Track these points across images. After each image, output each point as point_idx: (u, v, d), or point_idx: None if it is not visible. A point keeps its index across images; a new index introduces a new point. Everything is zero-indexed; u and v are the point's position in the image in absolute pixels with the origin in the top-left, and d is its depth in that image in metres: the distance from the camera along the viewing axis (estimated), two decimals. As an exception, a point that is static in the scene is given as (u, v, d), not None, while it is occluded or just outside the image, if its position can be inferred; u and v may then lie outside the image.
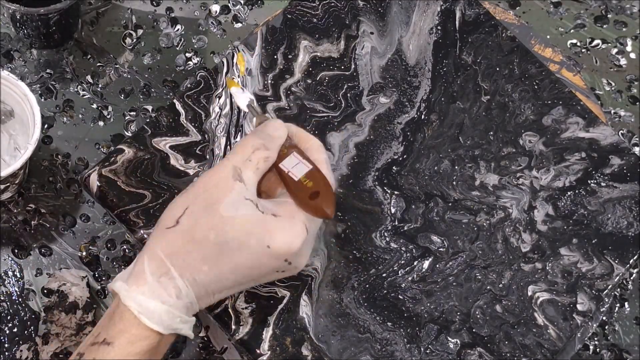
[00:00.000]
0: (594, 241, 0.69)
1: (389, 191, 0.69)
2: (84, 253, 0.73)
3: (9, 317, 0.70)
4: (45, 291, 0.72)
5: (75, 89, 0.78)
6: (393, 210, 0.69)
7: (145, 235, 0.66)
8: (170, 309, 0.55)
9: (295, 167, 0.58)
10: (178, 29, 0.81)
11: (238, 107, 0.69)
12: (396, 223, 0.69)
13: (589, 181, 0.71)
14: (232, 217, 0.55)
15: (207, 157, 0.69)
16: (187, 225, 0.56)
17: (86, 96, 0.78)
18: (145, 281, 0.55)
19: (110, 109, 0.78)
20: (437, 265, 0.68)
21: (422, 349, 0.65)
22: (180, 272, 0.56)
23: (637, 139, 0.81)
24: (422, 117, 0.72)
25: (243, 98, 0.63)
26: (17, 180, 0.70)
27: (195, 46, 0.80)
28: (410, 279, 0.67)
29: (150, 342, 0.55)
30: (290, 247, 0.56)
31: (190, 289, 0.56)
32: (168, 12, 0.81)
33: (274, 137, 0.59)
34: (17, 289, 0.72)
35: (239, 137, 0.70)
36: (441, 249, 0.68)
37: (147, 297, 0.55)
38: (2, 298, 0.71)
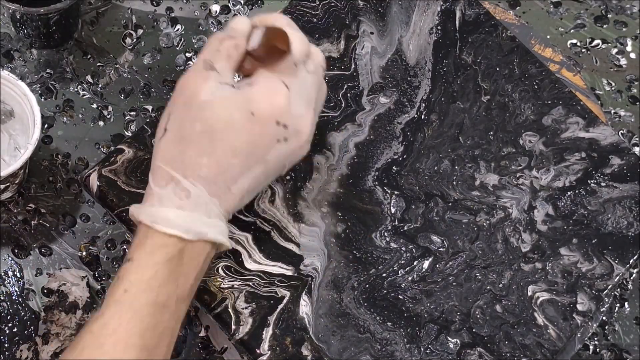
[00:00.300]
0: (594, 241, 0.69)
1: (389, 191, 0.69)
2: (84, 253, 0.73)
3: (9, 317, 0.70)
4: (45, 291, 0.72)
5: (75, 89, 0.78)
6: (393, 210, 0.69)
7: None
8: (185, 212, 0.55)
9: (254, 39, 0.58)
10: (178, 29, 0.81)
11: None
12: (396, 223, 0.69)
13: (589, 181, 0.71)
14: (210, 101, 0.56)
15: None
16: (174, 128, 0.57)
17: (86, 96, 0.78)
18: (154, 194, 0.56)
19: (110, 108, 0.78)
20: (437, 265, 0.68)
21: (422, 349, 0.65)
22: (183, 173, 0.56)
23: (637, 139, 0.81)
24: (422, 117, 0.72)
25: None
26: (17, 180, 0.70)
27: (196, 46, 0.80)
28: (410, 278, 0.67)
29: (171, 250, 0.55)
30: (273, 104, 0.56)
31: (199, 187, 0.56)
32: (168, 12, 0.81)
33: (237, 29, 0.59)
34: (17, 289, 0.72)
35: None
36: (441, 249, 0.68)
37: (159, 207, 0.56)
38: (2, 298, 0.71)
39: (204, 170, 0.56)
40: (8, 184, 0.70)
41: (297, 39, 0.58)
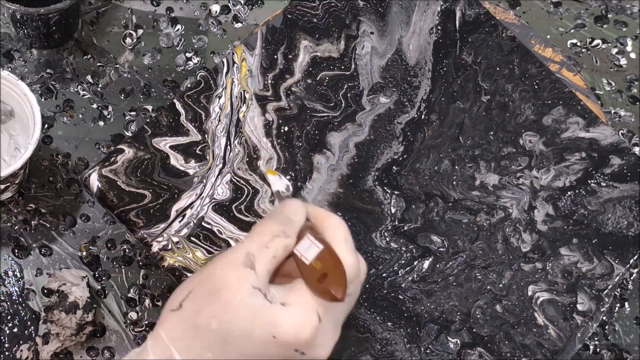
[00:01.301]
0: (594, 241, 0.69)
1: (389, 191, 0.69)
2: (84, 253, 0.73)
3: (9, 317, 0.70)
4: (45, 291, 0.72)
5: (76, 89, 0.78)
6: (393, 210, 0.69)
7: (146, 235, 0.66)
8: None
9: (307, 250, 0.54)
10: (178, 29, 0.81)
11: (271, 191, 0.68)
12: (396, 223, 0.69)
13: (589, 181, 0.71)
14: (237, 305, 0.52)
15: (207, 157, 0.69)
16: (190, 310, 0.53)
17: (86, 96, 0.78)
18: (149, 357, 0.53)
19: (110, 109, 0.78)
20: (437, 265, 0.68)
21: (422, 349, 0.65)
22: (184, 358, 0.53)
23: (637, 139, 0.81)
24: (422, 117, 0.72)
25: (280, 184, 0.61)
26: (17, 180, 0.70)
27: (196, 46, 0.80)
28: (410, 278, 0.67)
29: None
30: (298, 337, 0.52)
31: None
32: (168, 12, 0.81)
33: (293, 220, 0.55)
34: (17, 289, 0.72)
35: (238, 138, 0.70)
36: (441, 249, 0.68)
37: None
38: (2, 298, 0.71)
39: None
40: (8, 184, 0.70)
41: (350, 264, 0.54)
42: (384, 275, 0.67)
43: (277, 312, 0.53)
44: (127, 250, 0.73)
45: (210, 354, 0.53)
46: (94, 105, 0.78)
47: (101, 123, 0.77)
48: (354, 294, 0.55)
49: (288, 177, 0.69)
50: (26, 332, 0.70)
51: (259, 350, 0.53)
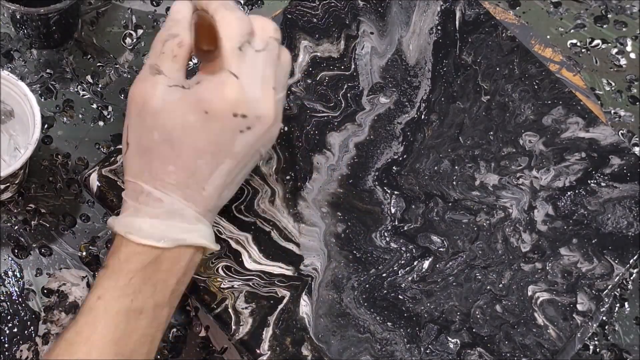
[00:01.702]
0: (594, 241, 0.69)
1: (389, 191, 0.69)
2: (84, 253, 0.73)
3: (9, 317, 0.70)
4: (45, 291, 0.72)
5: (75, 89, 0.78)
6: (393, 210, 0.69)
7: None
8: (159, 220, 0.55)
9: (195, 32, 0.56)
10: (178, 29, 0.80)
11: None
12: (396, 223, 0.69)
13: (589, 181, 0.71)
14: (162, 107, 0.54)
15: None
16: (134, 140, 0.56)
17: (86, 96, 0.78)
18: (129, 206, 0.56)
19: (110, 109, 0.78)
20: (437, 265, 0.68)
21: (422, 349, 0.65)
22: (153, 185, 0.55)
23: (637, 139, 0.81)
24: (422, 117, 0.72)
25: None
26: (17, 180, 0.70)
27: (195, 46, 0.80)
28: (410, 279, 0.67)
29: (145, 257, 0.55)
30: (225, 100, 0.54)
31: (171, 195, 0.55)
32: (168, 12, 0.81)
33: (177, 19, 0.57)
34: (17, 289, 0.72)
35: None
36: (441, 249, 0.68)
37: (134, 217, 0.55)
38: (2, 298, 0.71)
39: (173, 177, 0.55)
40: (8, 184, 0.70)
41: (230, 22, 0.55)
42: (384, 275, 0.67)
43: (196, 90, 0.54)
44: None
45: (170, 166, 0.55)
46: (94, 105, 0.78)
47: (101, 123, 0.77)
48: (267, 48, 0.56)
49: (288, 177, 0.69)
50: (26, 332, 0.70)
51: (206, 136, 0.54)
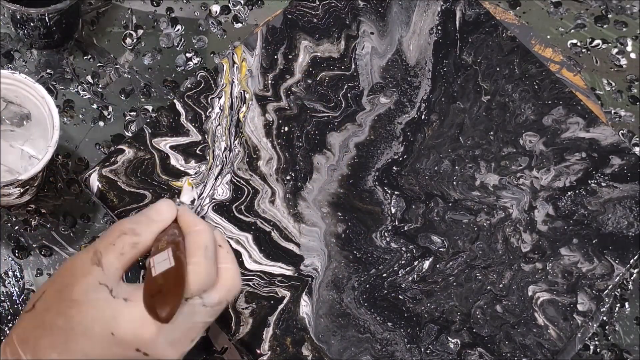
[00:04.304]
0: (594, 241, 0.69)
1: (389, 191, 0.69)
2: (84, 253, 0.73)
3: (9, 317, 0.70)
4: (45, 291, 0.72)
5: (76, 89, 0.78)
6: (393, 211, 0.69)
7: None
8: None
9: (160, 263, 0.53)
10: (178, 29, 0.81)
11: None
12: (396, 223, 0.69)
13: (589, 181, 0.71)
14: (80, 301, 0.52)
15: (207, 157, 0.69)
16: (40, 309, 0.53)
17: (86, 96, 0.78)
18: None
19: (110, 109, 0.78)
20: (438, 266, 0.68)
21: (422, 349, 0.65)
22: (31, 359, 0.52)
23: (637, 139, 0.81)
24: (423, 117, 0.72)
25: (188, 196, 0.65)
26: (36, 182, 0.70)
27: (196, 46, 0.80)
28: (410, 279, 0.67)
29: None
30: (137, 336, 0.51)
31: None
32: (168, 12, 0.81)
33: (153, 220, 0.55)
34: (17, 289, 0.72)
35: (238, 138, 0.70)
36: (441, 249, 0.68)
37: None
38: (2, 298, 0.71)
39: None
40: (28, 187, 0.69)
41: (197, 272, 0.53)
42: (384, 275, 0.67)
43: (118, 307, 0.52)
44: None
45: (55, 353, 0.52)
46: (94, 106, 0.78)
47: (101, 123, 0.77)
48: (216, 304, 0.54)
49: (288, 177, 0.69)
50: (26, 332, 0.70)
51: (101, 349, 0.52)
